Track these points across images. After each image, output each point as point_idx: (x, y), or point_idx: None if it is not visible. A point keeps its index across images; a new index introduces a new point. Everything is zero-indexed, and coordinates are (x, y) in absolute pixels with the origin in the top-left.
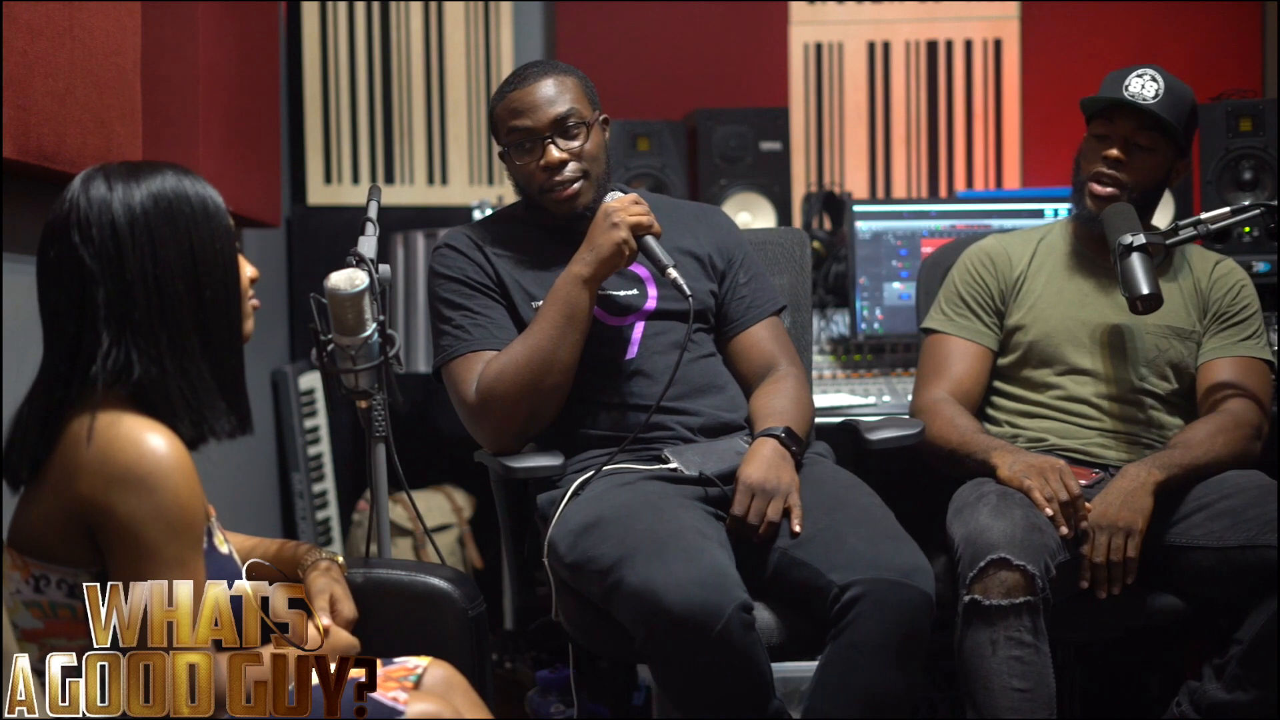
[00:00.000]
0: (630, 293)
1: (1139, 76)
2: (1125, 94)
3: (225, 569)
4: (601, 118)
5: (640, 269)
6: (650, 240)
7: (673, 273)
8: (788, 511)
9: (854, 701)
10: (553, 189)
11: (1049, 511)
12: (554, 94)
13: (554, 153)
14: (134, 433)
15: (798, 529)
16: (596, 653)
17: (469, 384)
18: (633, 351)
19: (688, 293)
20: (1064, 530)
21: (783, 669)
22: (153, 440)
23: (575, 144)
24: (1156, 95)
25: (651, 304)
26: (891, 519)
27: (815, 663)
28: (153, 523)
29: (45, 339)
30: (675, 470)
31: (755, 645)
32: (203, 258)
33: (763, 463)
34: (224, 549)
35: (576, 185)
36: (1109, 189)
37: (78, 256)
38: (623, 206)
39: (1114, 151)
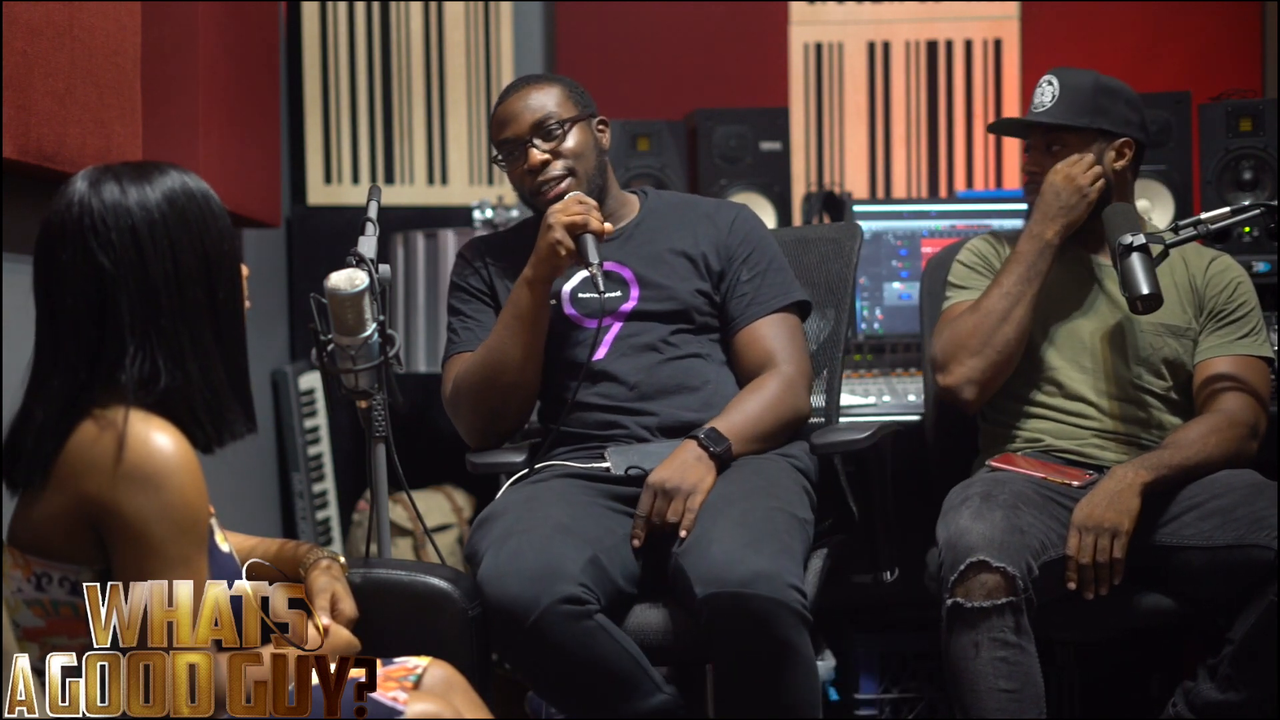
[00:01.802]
0: (613, 294)
1: (1039, 88)
2: (1032, 110)
3: (227, 568)
4: (596, 120)
5: (625, 270)
6: (587, 239)
7: (594, 270)
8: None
9: (743, 714)
10: (539, 190)
11: (1071, 583)
12: (533, 101)
13: (535, 155)
14: (141, 431)
15: (683, 534)
16: None
17: (448, 383)
18: (601, 352)
19: (601, 289)
20: (1072, 585)
21: None
22: (159, 439)
23: (554, 144)
24: (1053, 98)
25: (630, 305)
26: (773, 522)
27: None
28: (159, 521)
29: (51, 342)
30: (607, 469)
31: (589, 638)
32: (214, 259)
33: (674, 464)
34: (225, 547)
35: (564, 183)
36: (1034, 196)
37: (96, 261)
38: (562, 207)
39: (1029, 166)
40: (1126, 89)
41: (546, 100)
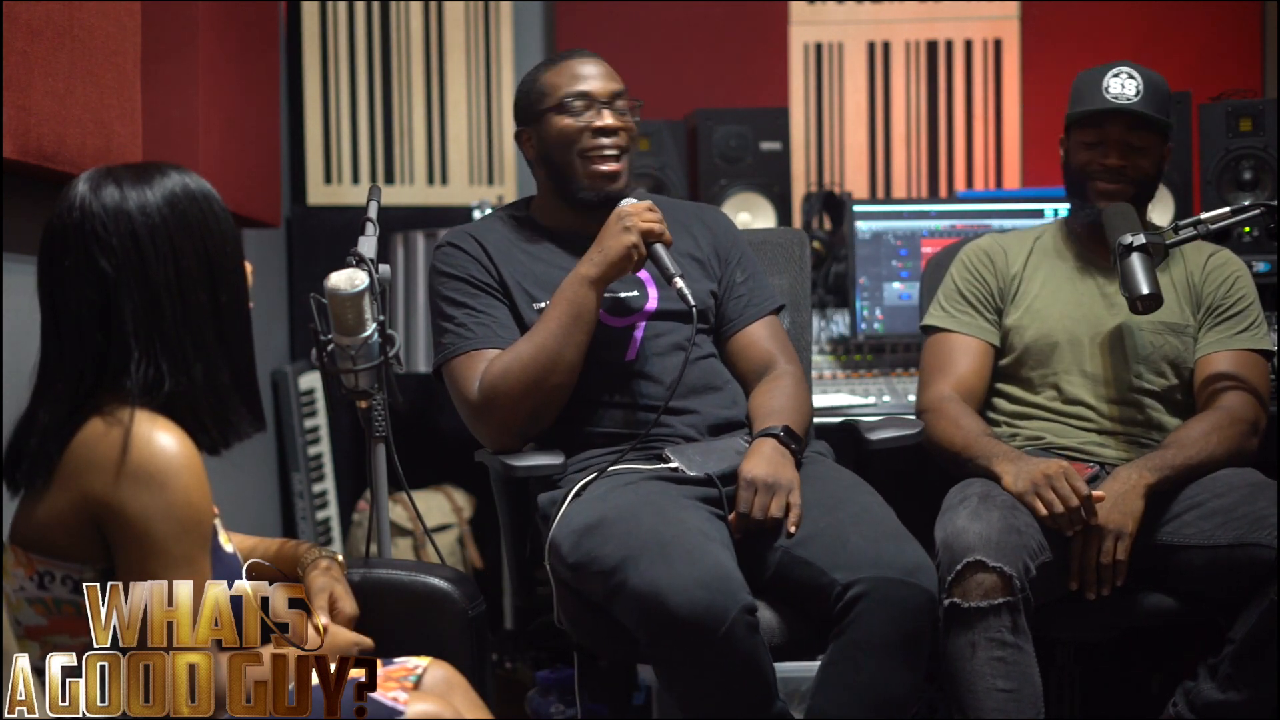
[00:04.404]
0: (631, 294)
1: (1116, 76)
2: (1107, 95)
3: (231, 568)
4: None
5: (641, 271)
6: (660, 248)
7: (679, 282)
8: (788, 509)
9: (857, 700)
10: (599, 150)
11: (1049, 521)
12: (610, 72)
13: (609, 117)
14: (146, 431)
15: (794, 529)
16: (599, 653)
17: (471, 382)
18: (633, 353)
19: (692, 303)
20: (1070, 534)
21: (785, 669)
22: (163, 439)
23: (625, 119)
24: (1138, 93)
25: (652, 305)
26: (893, 517)
27: (817, 663)
28: (163, 520)
29: (56, 345)
30: (677, 470)
31: (759, 647)
32: (217, 261)
33: (763, 459)
34: (228, 547)
35: (620, 162)
36: (1113, 186)
37: (98, 267)
38: (637, 212)
39: (1113, 160)
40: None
41: (618, 79)
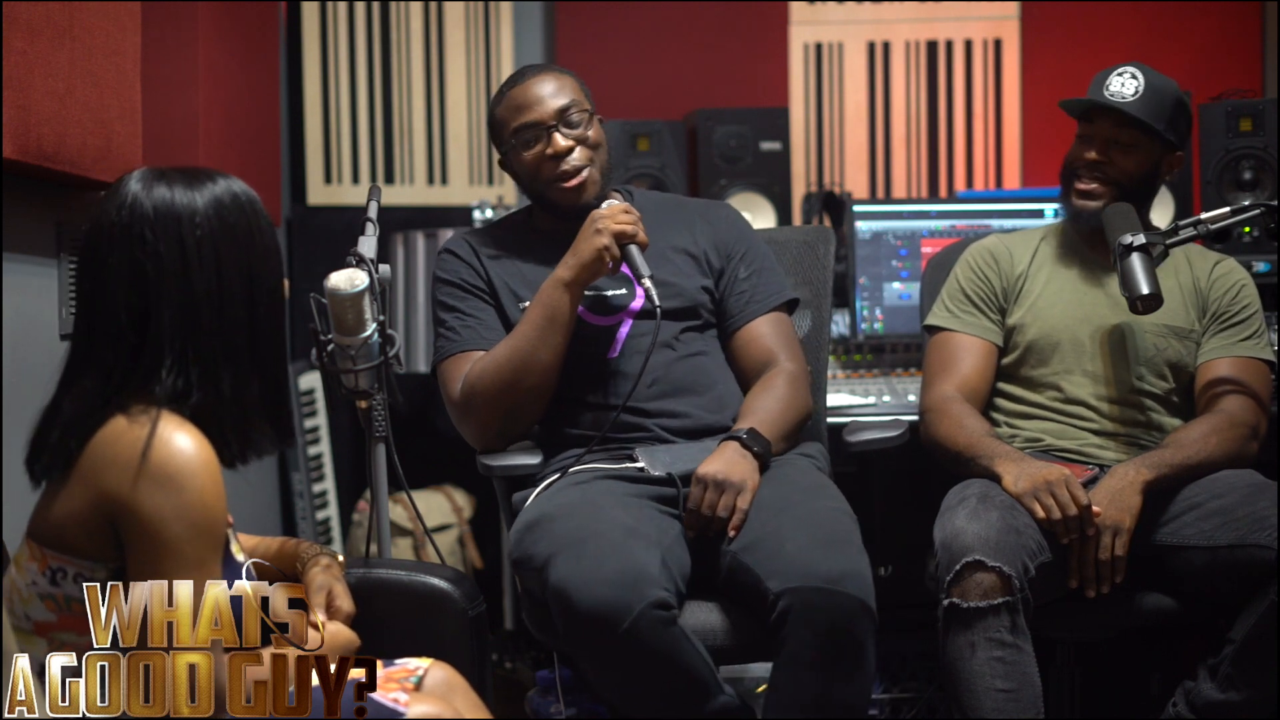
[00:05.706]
0: (618, 292)
1: (1119, 75)
2: (1105, 94)
3: (240, 578)
4: (598, 119)
5: (627, 268)
6: (633, 249)
7: (647, 283)
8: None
9: (801, 713)
10: (561, 177)
11: (1047, 524)
12: (554, 88)
13: (560, 140)
14: (165, 432)
15: (733, 533)
16: (552, 649)
17: (456, 383)
18: (615, 351)
19: (657, 304)
20: (1065, 541)
21: (767, 668)
22: (182, 440)
23: (579, 131)
24: (1136, 93)
25: (637, 304)
26: (843, 523)
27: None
28: (176, 521)
29: (88, 339)
30: (642, 470)
31: (675, 643)
32: (258, 276)
33: (721, 460)
34: (239, 557)
35: (584, 174)
36: (1091, 185)
37: (142, 270)
38: (610, 214)
39: (1092, 154)
40: (1188, 106)
41: (566, 89)
